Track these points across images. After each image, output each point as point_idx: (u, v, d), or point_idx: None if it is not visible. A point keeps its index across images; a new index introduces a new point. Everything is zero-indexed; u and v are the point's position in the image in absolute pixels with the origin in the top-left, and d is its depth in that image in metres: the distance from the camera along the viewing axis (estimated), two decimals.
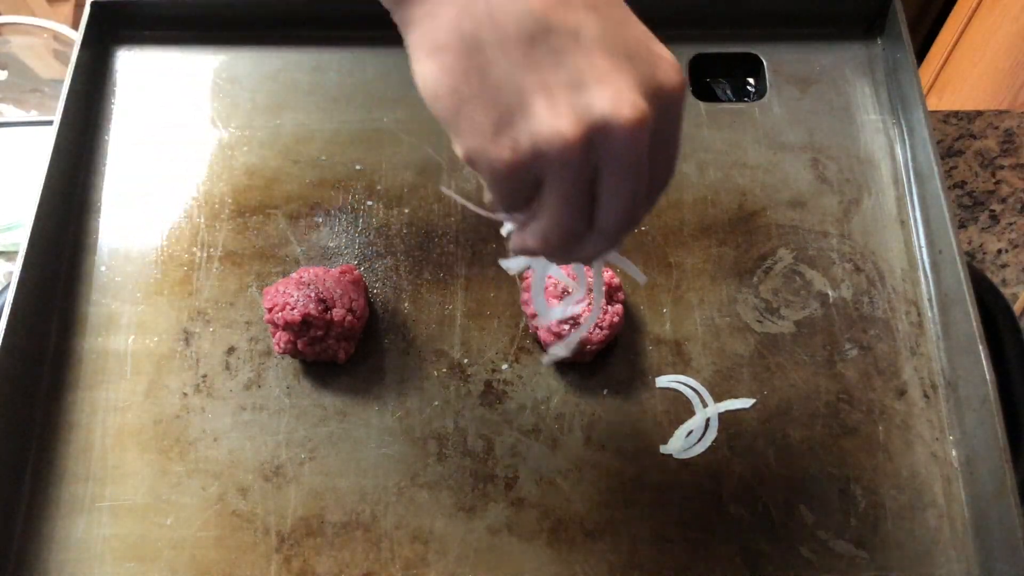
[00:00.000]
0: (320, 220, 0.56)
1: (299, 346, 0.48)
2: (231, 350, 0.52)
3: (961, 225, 0.69)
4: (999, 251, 0.68)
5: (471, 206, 0.40)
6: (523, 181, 0.30)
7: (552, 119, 0.28)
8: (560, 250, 0.33)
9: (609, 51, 0.29)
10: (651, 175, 0.31)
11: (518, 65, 0.29)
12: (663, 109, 0.30)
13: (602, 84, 0.28)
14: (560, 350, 0.46)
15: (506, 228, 0.38)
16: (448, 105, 0.30)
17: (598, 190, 0.31)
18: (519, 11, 0.28)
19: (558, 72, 0.28)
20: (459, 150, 0.31)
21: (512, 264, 0.41)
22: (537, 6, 0.28)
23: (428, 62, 0.30)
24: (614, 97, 0.28)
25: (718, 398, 0.50)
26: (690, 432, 0.49)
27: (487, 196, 0.34)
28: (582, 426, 0.49)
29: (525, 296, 0.51)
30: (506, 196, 0.32)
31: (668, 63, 0.30)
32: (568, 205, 0.31)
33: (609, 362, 0.51)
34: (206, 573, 0.46)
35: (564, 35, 0.28)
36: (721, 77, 0.62)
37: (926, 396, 0.50)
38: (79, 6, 1.46)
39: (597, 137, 0.28)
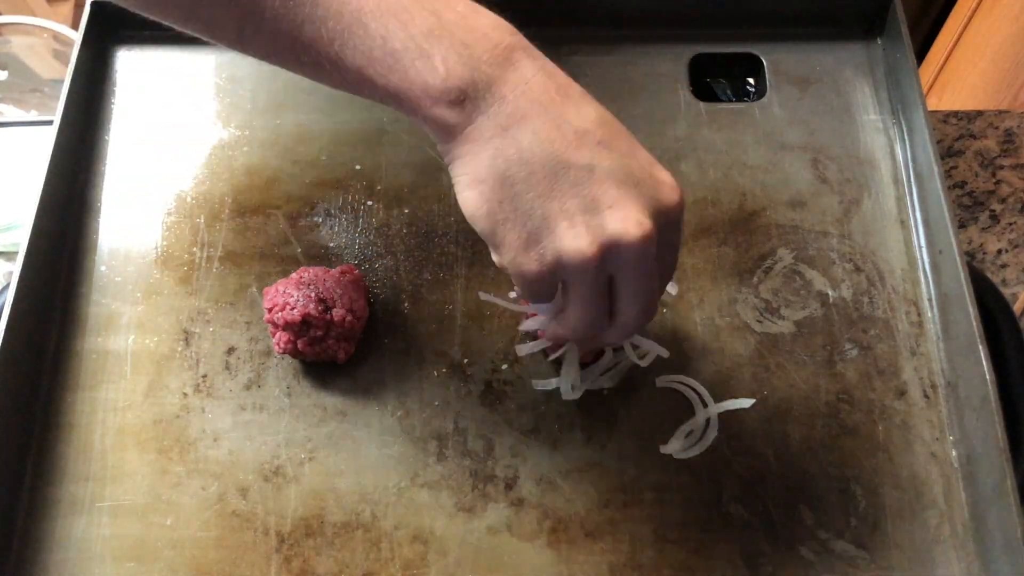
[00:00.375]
0: (320, 220, 0.56)
1: (299, 346, 0.48)
2: (231, 350, 0.52)
3: (961, 225, 0.69)
4: (999, 251, 0.68)
5: (503, 303, 0.49)
6: (548, 285, 0.37)
7: (573, 238, 0.35)
8: (585, 339, 0.40)
9: (618, 181, 0.35)
10: (666, 267, 0.39)
11: (543, 196, 0.35)
12: (665, 223, 0.36)
13: (613, 209, 0.35)
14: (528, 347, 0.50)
15: (525, 324, 0.48)
16: (486, 226, 0.36)
17: (615, 292, 0.37)
18: (543, 152, 0.35)
19: (576, 200, 0.35)
20: (496, 259, 0.38)
21: (524, 348, 0.49)
22: (559, 148, 0.35)
23: (470, 191, 0.36)
24: (623, 219, 0.34)
25: (718, 398, 0.50)
26: (690, 432, 0.49)
27: (513, 292, 0.46)
28: (582, 426, 0.49)
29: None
30: (533, 296, 0.39)
31: (668, 186, 0.37)
32: (588, 305, 0.37)
33: None
34: (206, 573, 0.46)
35: (580, 170, 0.35)
36: (721, 77, 0.62)
37: (926, 396, 0.50)
38: (79, 6, 1.46)
39: (610, 252, 0.35)
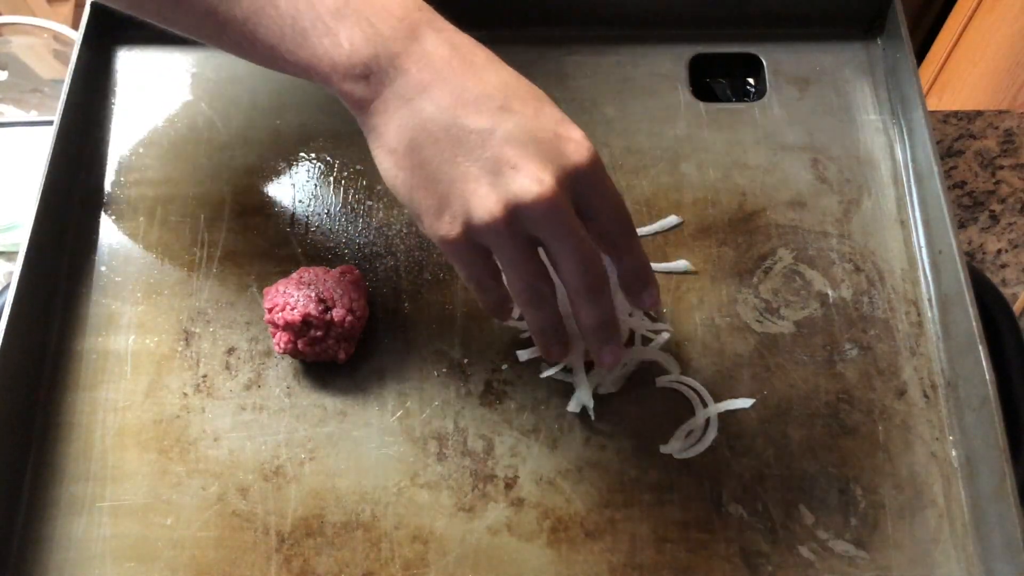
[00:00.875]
0: (320, 220, 0.56)
1: (299, 346, 0.48)
2: (231, 350, 0.52)
3: (961, 225, 0.69)
4: (999, 251, 0.68)
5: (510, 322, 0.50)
6: (472, 252, 0.38)
7: (479, 200, 0.36)
8: (538, 308, 0.41)
9: (519, 142, 0.36)
10: (607, 228, 0.40)
11: (448, 162, 0.37)
12: (576, 179, 0.37)
13: (515, 169, 0.36)
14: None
15: (522, 355, 0.50)
16: (403, 194, 0.38)
17: (548, 256, 0.39)
18: (444, 119, 0.36)
19: (479, 164, 0.36)
20: (420, 228, 0.39)
21: (524, 354, 0.50)
22: (458, 114, 0.36)
23: (385, 160, 0.38)
24: (525, 177, 0.36)
25: (718, 398, 0.50)
26: (690, 432, 0.49)
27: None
28: (582, 426, 0.49)
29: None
30: (466, 267, 0.40)
31: (575, 142, 0.37)
32: (516, 266, 0.38)
33: None
34: (206, 573, 0.46)
35: (480, 134, 0.36)
36: (721, 77, 0.62)
37: (926, 396, 0.50)
38: (79, 6, 1.46)
39: (518, 211, 0.36)
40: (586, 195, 0.38)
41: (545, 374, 0.49)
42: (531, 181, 0.36)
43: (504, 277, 0.40)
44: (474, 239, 0.38)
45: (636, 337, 0.51)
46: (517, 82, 0.38)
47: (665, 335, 0.51)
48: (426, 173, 0.37)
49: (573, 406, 0.49)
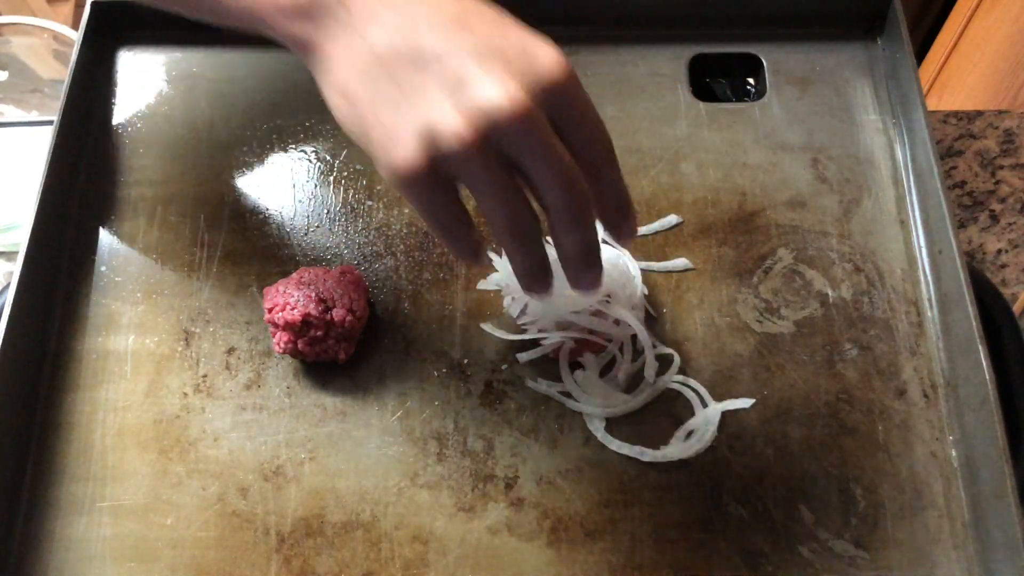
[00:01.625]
0: (320, 220, 0.56)
1: (299, 346, 0.48)
2: (231, 350, 0.52)
3: (961, 225, 0.69)
4: (999, 251, 0.68)
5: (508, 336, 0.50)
6: (436, 186, 0.33)
7: (438, 117, 0.32)
8: (523, 243, 0.36)
9: (482, 57, 0.32)
10: (584, 152, 0.35)
11: (404, 88, 0.33)
12: (551, 92, 0.33)
13: (479, 82, 0.32)
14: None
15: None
16: (356, 131, 0.35)
17: (527, 181, 0.34)
18: (396, 43, 0.33)
19: (439, 82, 0.32)
20: (379, 171, 0.34)
21: (525, 356, 0.50)
22: (411, 36, 0.33)
23: (334, 97, 0.35)
24: (491, 88, 0.31)
25: (718, 398, 0.50)
26: (690, 432, 0.49)
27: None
28: (582, 426, 0.49)
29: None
30: (429, 207, 0.34)
31: (545, 53, 0.33)
32: (493, 192, 0.34)
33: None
34: (206, 573, 0.46)
35: (439, 53, 0.32)
36: (721, 77, 0.62)
37: (926, 396, 0.50)
38: (79, 6, 1.46)
39: (487, 128, 0.32)
40: (561, 112, 0.34)
41: (525, 358, 0.50)
42: (498, 91, 0.31)
43: (481, 208, 0.35)
44: (437, 168, 0.33)
45: (650, 364, 0.50)
46: (479, 6, 0.34)
47: (677, 361, 0.51)
48: (379, 102, 0.33)
49: (596, 427, 0.49)
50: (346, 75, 0.35)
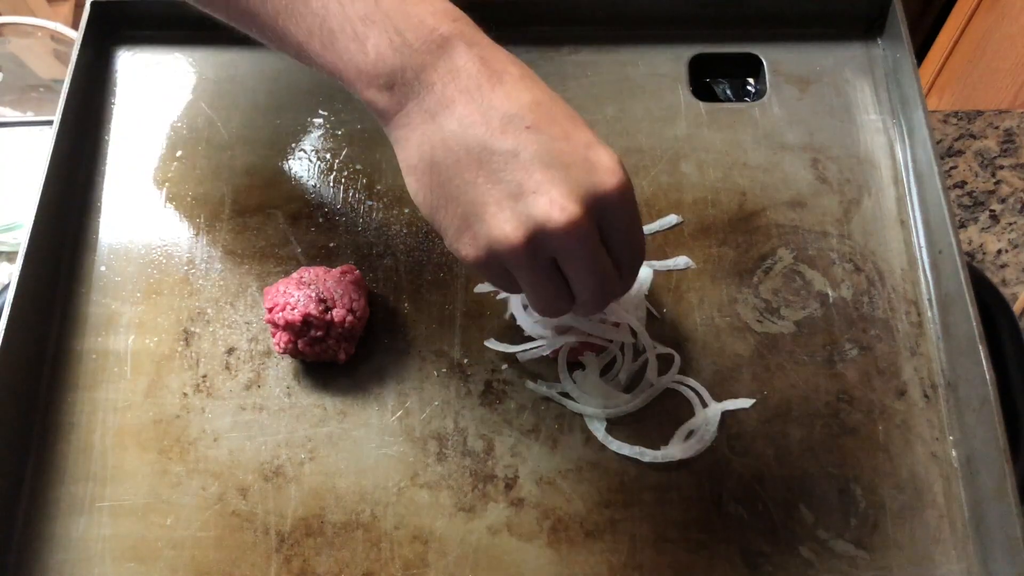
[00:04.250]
0: (320, 220, 0.56)
1: (299, 346, 0.48)
2: (231, 350, 0.52)
3: (961, 225, 0.69)
4: (999, 251, 0.68)
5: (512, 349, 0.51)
6: (492, 270, 0.38)
7: (499, 224, 0.35)
8: (553, 315, 0.40)
9: (545, 164, 0.34)
10: (620, 256, 0.38)
11: (470, 183, 0.35)
12: (602, 206, 0.35)
13: (537, 194, 0.34)
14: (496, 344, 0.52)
15: (522, 356, 0.50)
16: (426, 211, 0.38)
17: (566, 275, 0.38)
18: (467, 139, 0.35)
19: (501, 187, 0.35)
20: (445, 242, 0.38)
21: (526, 355, 0.50)
22: (482, 133, 0.35)
23: (408, 176, 0.37)
24: (547, 204, 0.34)
25: (718, 398, 0.50)
26: (690, 432, 0.49)
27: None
28: (582, 426, 0.49)
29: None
30: (490, 279, 0.39)
31: (605, 168, 0.35)
32: (535, 288, 0.38)
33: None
34: (206, 573, 0.46)
35: (504, 155, 0.35)
36: (721, 77, 0.62)
37: (926, 396, 0.50)
38: (79, 6, 1.46)
39: (538, 237, 0.35)
40: (610, 220, 0.36)
41: (525, 357, 0.50)
42: (554, 208, 0.34)
43: (523, 290, 0.40)
44: (496, 262, 0.37)
45: (651, 365, 0.50)
46: (550, 101, 0.36)
47: (678, 362, 0.51)
48: (447, 193, 0.36)
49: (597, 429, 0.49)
50: (417, 157, 0.36)
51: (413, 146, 0.36)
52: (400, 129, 0.37)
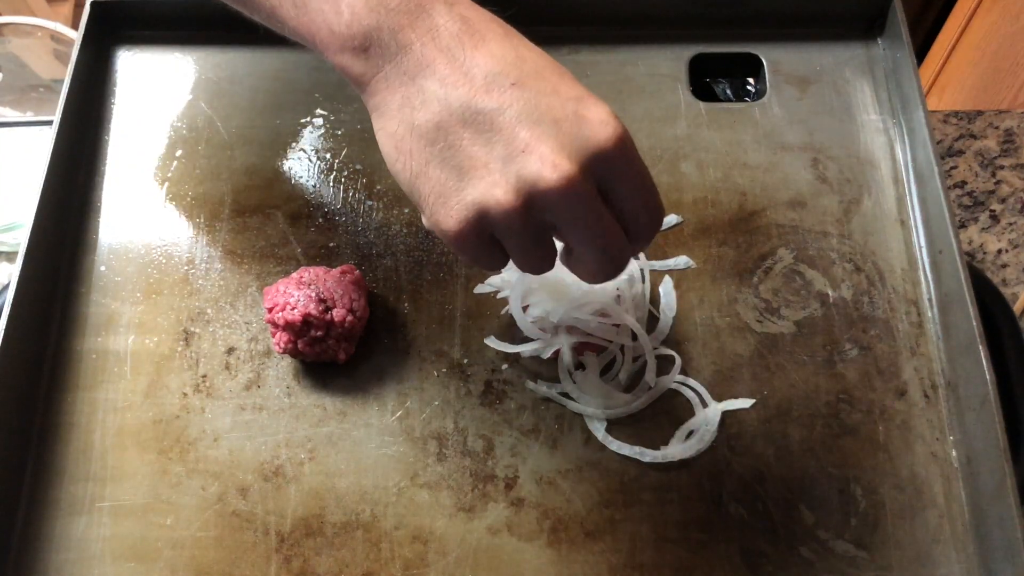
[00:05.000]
0: (320, 220, 0.56)
1: (299, 346, 0.48)
2: (231, 350, 0.52)
3: (961, 225, 0.69)
4: (999, 251, 0.68)
5: (517, 349, 0.50)
6: (479, 244, 0.34)
7: (489, 188, 0.32)
8: (538, 273, 0.37)
9: (533, 121, 0.32)
10: (629, 214, 0.35)
11: (454, 147, 0.33)
12: (599, 161, 0.33)
13: (526, 153, 0.32)
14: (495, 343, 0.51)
15: (524, 352, 0.50)
16: (404, 180, 0.35)
17: (563, 238, 0.35)
18: (450, 100, 0.33)
19: (489, 148, 0.33)
20: (423, 219, 0.35)
21: (527, 352, 0.50)
22: (465, 93, 0.33)
23: (386, 144, 0.35)
24: (538, 162, 0.32)
25: (718, 398, 0.50)
26: (690, 432, 0.49)
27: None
28: (582, 426, 0.49)
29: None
30: (471, 258, 0.36)
31: (597, 121, 0.33)
32: (526, 255, 0.35)
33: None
34: (206, 573, 0.46)
35: (490, 114, 0.32)
36: (721, 77, 0.62)
37: (926, 396, 0.50)
38: (79, 6, 1.46)
39: (533, 199, 0.32)
40: (611, 179, 0.34)
41: (527, 353, 0.50)
42: (546, 166, 0.32)
43: (511, 257, 0.36)
44: (483, 231, 0.34)
45: (651, 366, 0.50)
46: (536, 56, 0.34)
47: (678, 363, 0.50)
48: (429, 158, 0.33)
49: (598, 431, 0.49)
50: (397, 123, 0.34)
51: (392, 111, 0.34)
52: (377, 95, 0.35)
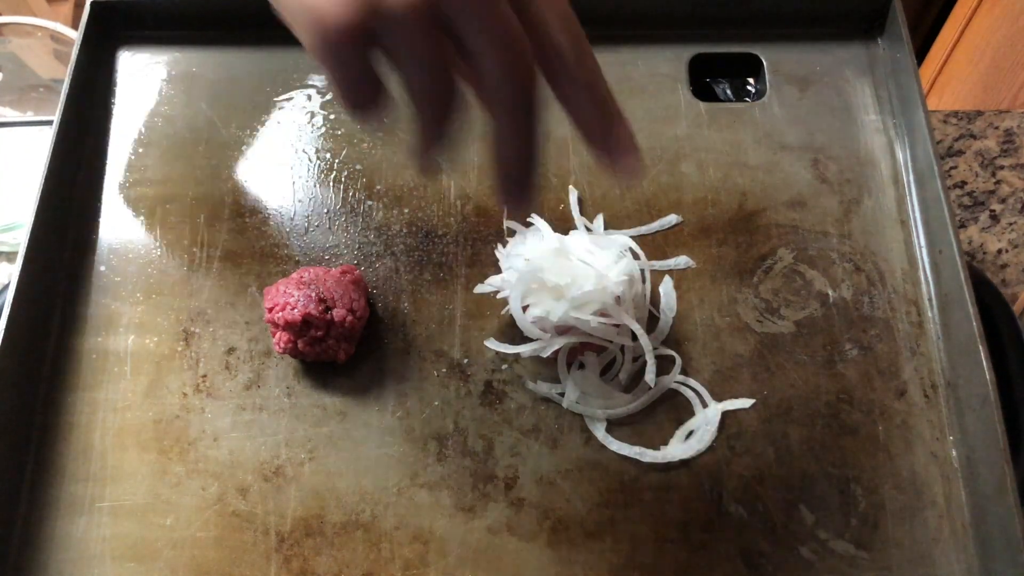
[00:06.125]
0: (320, 220, 0.56)
1: (299, 346, 0.48)
2: (231, 350, 0.52)
3: (961, 225, 0.69)
4: (999, 251, 0.68)
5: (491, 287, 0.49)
6: (356, 49, 0.28)
7: None
8: (443, 108, 0.30)
9: None
10: (541, 22, 0.31)
11: None
12: None
13: None
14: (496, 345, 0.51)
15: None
16: None
17: (462, 43, 0.29)
18: None
19: None
20: (302, 35, 0.29)
21: (527, 351, 0.48)
22: None
23: None
24: None
25: (718, 398, 0.50)
26: (690, 432, 0.49)
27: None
28: (582, 426, 0.49)
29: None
30: (343, 69, 0.29)
31: None
32: (423, 61, 0.29)
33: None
34: (206, 573, 0.46)
35: None
36: (721, 77, 0.62)
37: (926, 396, 0.50)
38: (79, 6, 1.46)
39: None
40: None
41: (527, 352, 0.49)
42: None
43: (400, 74, 0.30)
44: (367, 26, 0.28)
45: (651, 367, 0.50)
46: None
47: (679, 363, 0.50)
48: None
49: (601, 433, 0.49)
50: None
51: None
52: None
